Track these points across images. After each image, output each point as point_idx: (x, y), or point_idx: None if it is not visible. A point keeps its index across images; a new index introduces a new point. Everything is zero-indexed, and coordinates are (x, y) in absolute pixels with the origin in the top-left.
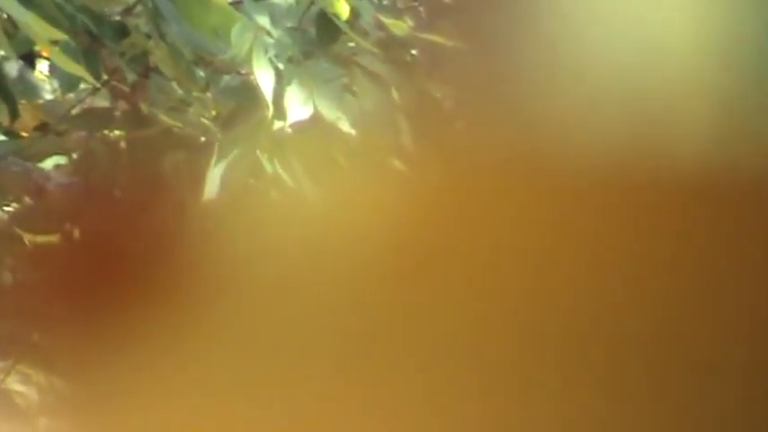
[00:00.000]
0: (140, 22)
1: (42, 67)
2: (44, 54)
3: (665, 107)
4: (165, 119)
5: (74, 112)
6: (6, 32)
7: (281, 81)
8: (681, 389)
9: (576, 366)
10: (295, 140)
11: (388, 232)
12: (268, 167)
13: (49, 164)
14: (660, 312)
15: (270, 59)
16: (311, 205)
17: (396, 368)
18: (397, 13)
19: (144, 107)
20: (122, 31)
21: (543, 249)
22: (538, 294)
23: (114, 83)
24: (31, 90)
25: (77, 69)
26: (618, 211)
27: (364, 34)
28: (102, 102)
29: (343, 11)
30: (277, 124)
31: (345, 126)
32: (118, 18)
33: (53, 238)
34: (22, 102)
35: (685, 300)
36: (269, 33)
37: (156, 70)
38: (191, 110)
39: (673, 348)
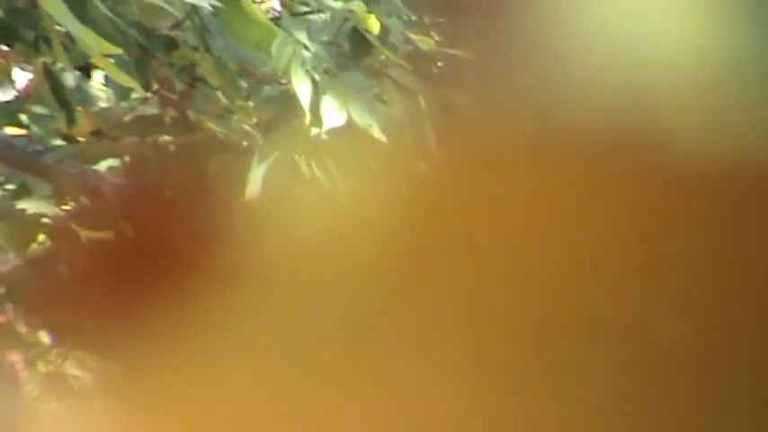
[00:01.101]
0: (188, 36)
1: (98, 76)
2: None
3: (673, 106)
4: (210, 125)
5: (126, 119)
6: (65, 46)
7: (317, 91)
8: (681, 387)
9: (577, 366)
10: (330, 145)
11: (413, 230)
12: (305, 169)
13: (103, 166)
14: (663, 308)
15: (307, 71)
16: (344, 204)
17: (422, 363)
18: (423, 28)
19: (191, 114)
20: (171, 45)
21: (562, 247)
22: (556, 288)
23: (164, 92)
24: (88, 99)
25: (129, 81)
26: (627, 209)
27: (394, 48)
28: (152, 109)
29: (375, 27)
30: (314, 130)
31: (376, 132)
32: (167, 32)
33: (107, 235)
34: (79, 109)
35: (687, 297)
36: (306, 47)
37: (203, 80)
38: (234, 117)
39: (673, 343)
